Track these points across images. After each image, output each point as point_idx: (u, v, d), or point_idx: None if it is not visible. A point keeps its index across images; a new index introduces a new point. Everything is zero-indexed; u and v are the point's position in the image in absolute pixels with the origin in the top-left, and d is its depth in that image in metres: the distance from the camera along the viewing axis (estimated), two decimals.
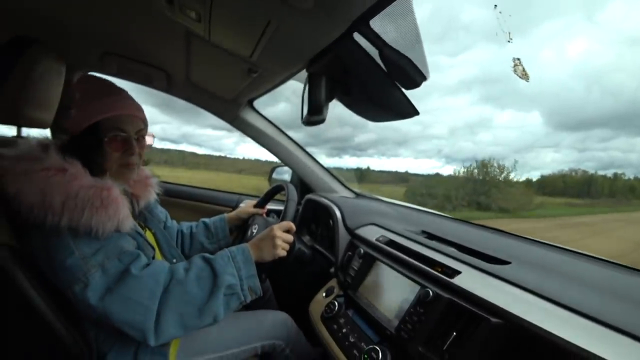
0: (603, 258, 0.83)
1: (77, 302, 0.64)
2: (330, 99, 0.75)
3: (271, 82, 1.06)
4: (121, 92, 0.79)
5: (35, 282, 0.65)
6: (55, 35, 0.97)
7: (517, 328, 0.57)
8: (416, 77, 0.60)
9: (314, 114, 0.72)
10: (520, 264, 0.77)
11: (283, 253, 0.82)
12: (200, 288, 0.69)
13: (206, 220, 1.16)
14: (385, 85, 0.69)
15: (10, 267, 0.63)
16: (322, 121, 0.75)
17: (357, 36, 0.63)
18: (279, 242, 0.81)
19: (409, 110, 0.75)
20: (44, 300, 0.65)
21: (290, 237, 0.85)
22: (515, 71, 0.53)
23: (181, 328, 0.67)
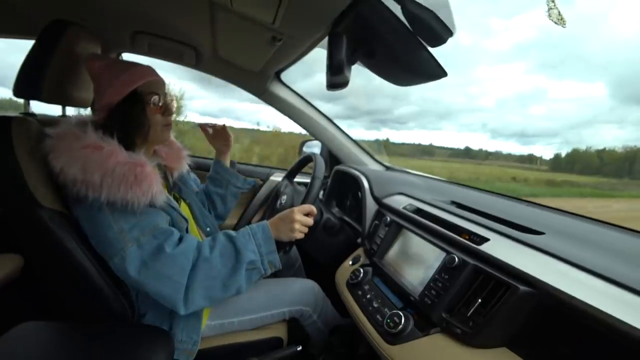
0: None
1: (117, 271, 0.71)
2: (352, 61, 0.73)
3: (296, 50, 1.04)
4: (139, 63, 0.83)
5: (83, 246, 0.72)
6: (89, 17, 1.01)
7: (550, 298, 0.54)
8: (441, 32, 0.56)
9: (335, 75, 0.70)
10: (555, 234, 0.73)
11: (300, 236, 0.82)
12: (224, 264, 0.73)
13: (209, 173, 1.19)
14: (410, 44, 0.65)
15: (61, 230, 0.70)
16: (345, 84, 0.73)
17: None
18: (297, 225, 0.81)
19: (436, 71, 0.71)
20: (91, 262, 0.72)
21: (310, 221, 0.84)
22: (549, 16, 0.47)
23: (207, 300, 0.73)
